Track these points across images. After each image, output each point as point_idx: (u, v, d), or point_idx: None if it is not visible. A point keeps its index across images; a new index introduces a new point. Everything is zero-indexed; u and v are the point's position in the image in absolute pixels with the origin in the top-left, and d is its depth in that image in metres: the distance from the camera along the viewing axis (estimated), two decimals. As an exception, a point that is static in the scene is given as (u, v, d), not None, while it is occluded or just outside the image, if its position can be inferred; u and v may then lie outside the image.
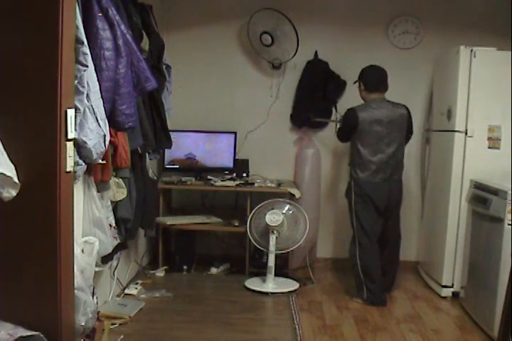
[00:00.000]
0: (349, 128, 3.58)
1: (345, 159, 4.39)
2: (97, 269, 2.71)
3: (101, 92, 2.35)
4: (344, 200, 4.39)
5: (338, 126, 4.01)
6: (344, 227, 4.42)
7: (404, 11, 4.28)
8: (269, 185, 4.11)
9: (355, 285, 3.67)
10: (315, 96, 4.28)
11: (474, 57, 3.54)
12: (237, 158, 4.35)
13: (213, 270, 4.15)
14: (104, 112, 2.38)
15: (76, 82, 2.14)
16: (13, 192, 1.81)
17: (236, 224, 4.09)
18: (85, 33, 2.21)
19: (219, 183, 4.12)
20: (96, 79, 2.31)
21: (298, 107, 4.38)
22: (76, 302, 2.21)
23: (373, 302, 3.56)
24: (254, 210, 3.90)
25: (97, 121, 2.30)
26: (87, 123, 2.22)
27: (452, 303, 3.62)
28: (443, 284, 3.70)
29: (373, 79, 3.60)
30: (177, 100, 4.01)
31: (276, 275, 3.84)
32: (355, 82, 3.75)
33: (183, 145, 4.30)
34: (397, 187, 3.68)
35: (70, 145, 2.02)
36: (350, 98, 4.06)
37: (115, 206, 2.96)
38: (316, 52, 4.31)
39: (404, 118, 3.62)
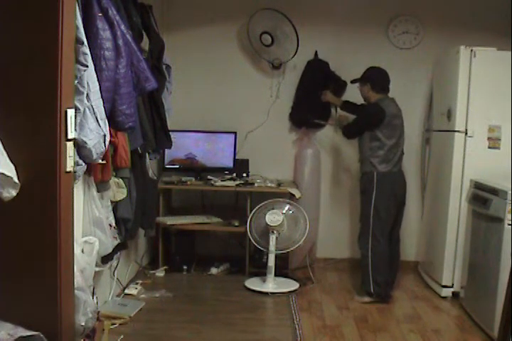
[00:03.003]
0: (375, 123, 3.56)
1: (345, 158, 4.40)
2: (97, 269, 2.71)
3: (101, 92, 2.35)
4: (344, 200, 4.42)
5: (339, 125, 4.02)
6: (344, 227, 4.43)
7: (404, 11, 4.28)
8: (269, 185, 4.11)
9: (362, 279, 3.67)
10: (315, 97, 4.27)
11: (474, 57, 3.54)
12: (237, 158, 4.35)
13: (213, 270, 4.15)
14: (104, 112, 2.38)
15: (76, 82, 2.14)
16: (13, 192, 1.81)
17: (236, 224, 4.09)
18: (85, 33, 2.21)
19: (219, 183, 4.12)
20: (96, 79, 2.31)
21: (297, 107, 4.38)
22: (76, 303, 2.21)
23: (380, 296, 3.58)
24: (254, 210, 3.90)
25: (97, 121, 2.30)
26: (87, 123, 2.23)
27: (452, 303, 3.63)
28: (443, 284, 3.71)
29: (382, 80, 3.65)
30: (177, 100, 4.01)
31: (276, 275, 3.83)
32: (354, 81, 3.75)
33: (183, 145, 4.30)
34: (404, 178, 3.77)
35: (70, 145, 2.02)
36: (351, 99, 4.07)
37: (115, 206, 2.96)
38: (316, 53, 4.31)
39: (402, 114, 3.69)
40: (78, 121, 2.18)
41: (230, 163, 4.34)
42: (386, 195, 3.59)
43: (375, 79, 3.64)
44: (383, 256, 3.59)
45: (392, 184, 3.63)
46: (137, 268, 4.03)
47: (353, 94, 3.98)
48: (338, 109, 4.25)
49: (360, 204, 3.75)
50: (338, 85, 4.30)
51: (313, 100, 4.27)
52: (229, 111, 4.43)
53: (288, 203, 3.89)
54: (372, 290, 3.58)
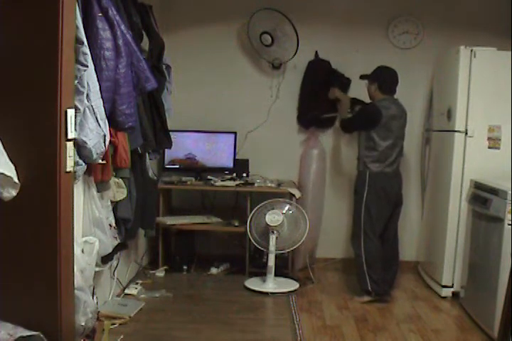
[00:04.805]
0: (370, 123, 3.58)
1: (349, 159, 4.38)
2: (97, 269, 2.71)
3: (101, 92, 2.35)
4: (346, 200, 4.41)
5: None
6: (344, 227, 4.42)
7: (404, 11, 4.27)
8: (269, 185, 4.11)
9: (358, 278, 3.69)
10: (320, 95, 4.26)
11: (474, 57, 3.54)
12: (237, 158, 4.35)
13: (213, 270, 4.15)
14: (104, 112, 2.38)
15: (76, 82, 2.14)
16: (13, 192, 1.81)
17: (236, 224, 4.09)
18: (85, 33, 2.21)
19: (219, 183, 4.11)
20: (96, 79, 2.31)
21: (303, 108, 4.36)
22: (76, 303, 2.21)
23: (378, 293, 3.59)
24: (254, 210, 3.90)
25: (97, 121, 2.30)
26: (87, 123, 2.23)
27: (452, 303, 3.63)
28: (443, 284, 3.71)
29: (390, 82, 3.66)
30: (177, 100, 4.00)
31: (276, 275, 3.84)
32: (363, 78, 3.75)
33: (183, 145, 4.30)
34: (401, 179, 3.76)
35: (70, 145, 2.02)
36: (355, 96, 4.07)
37: (115, 206, 2.96)
38: (316, 53, 4.31)
39: (406, 116, 3.71)
40: (78, 121, 2.18)
41: (230, 163, 4.34)
42: (377, 195, 3.60)
43: (384, 80, 3.64)
44: (376, 254, 3.61)
45: (384, 184, 3.63)
46: (137, 268, 4.02)
47: (357, 92, 3.97)
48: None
49: (353, 203, 3.77)
50: (342, 83, 4.28)
51: (319, 99, 4.25)
52: (229, 111, 4.43)
53: (288, 203, 3.89)
54: (369, 288, 3.59)
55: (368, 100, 3.82)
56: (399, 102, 3.68)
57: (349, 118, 3.89)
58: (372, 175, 3.61)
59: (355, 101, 4.04)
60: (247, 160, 4.37)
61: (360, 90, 3.84)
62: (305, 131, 4.42)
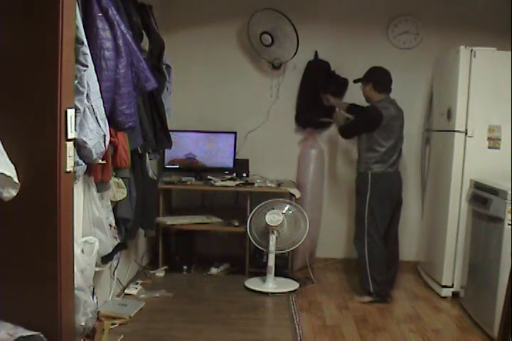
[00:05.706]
0: (372, 125, 3.58)
1: (348, 159, 4.39)
2: (97, 269, 2.71)
3: (101, 92, 2.35)
4: (345, 200, 4.42)
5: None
6: (344, 227, 4.43)
7: (404, 11, 4.28)
8: (269, 185, 4.11)
9: (360, 279, 3.69)
10: (318, 97, 4.26)
11: (474, 57, 3.54)
12: (237, 158, 4.35)
13: (213, 270, 4.15)
14: (104, 112, 2.38)
15: (76, 82, 2.14)
16: (13, 192, 1.81)
17: (236, 224, 4.09)
18: (85, 33, 2.21)
19: (219, 183, 4.11)
20: (96, 79, 2.31)
21: (301, 108, 4.37)
22: (76, 303, 2.21)
23: (379, 295, 3.59)
24: (254, 210, 3.90)
25: (97, 121, 2.30)
26: (87, 123, 2.23)
27: (452, 303, 3.63)
28: (443, 284, 3.71)
29: (384, 81, 3.66)
30: (177, 100, 4.01)
31: (276, 275, 3.84)
32: (357, 81, 3.76)
33: (183, 145, 4.30)
34: (401, 179, 3.77)
35: (70, 145, 2.02)
36: (353, 97, 4.08)
37: (115, 206, 2.96)
38: (316, 53, 4.31)
39: (403, 116, 3.70)
40: (78, 121, 2.18)
41: (230, 163, 4.34)
42: (381, 196, 3.60)
43: (378, 79, 3.65)
44: (380, 255, 3.61)
45: (387, 184, 3.64)
46: (137, 268, 4.03)
47: (356, 93, 3.98)
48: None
49: (355, 204, 3.76)
50: (339, 84, 4.29)
51: (317, 100, 4.26)
52: (229, 111, 4.43)
53: (288, 203, 3.89)
54: (371, 290, 3.59)
55: (364, 103, 3.81)
56: (395, 102, 3.68)
57: (350, 123, 3.86)
58: (375, 176, 3.60)
59: (352, 107, 4.01)
60: (247, 160, 4.37)
61: (359, 91, 3.82)
62: (298, 130, 4.42)
